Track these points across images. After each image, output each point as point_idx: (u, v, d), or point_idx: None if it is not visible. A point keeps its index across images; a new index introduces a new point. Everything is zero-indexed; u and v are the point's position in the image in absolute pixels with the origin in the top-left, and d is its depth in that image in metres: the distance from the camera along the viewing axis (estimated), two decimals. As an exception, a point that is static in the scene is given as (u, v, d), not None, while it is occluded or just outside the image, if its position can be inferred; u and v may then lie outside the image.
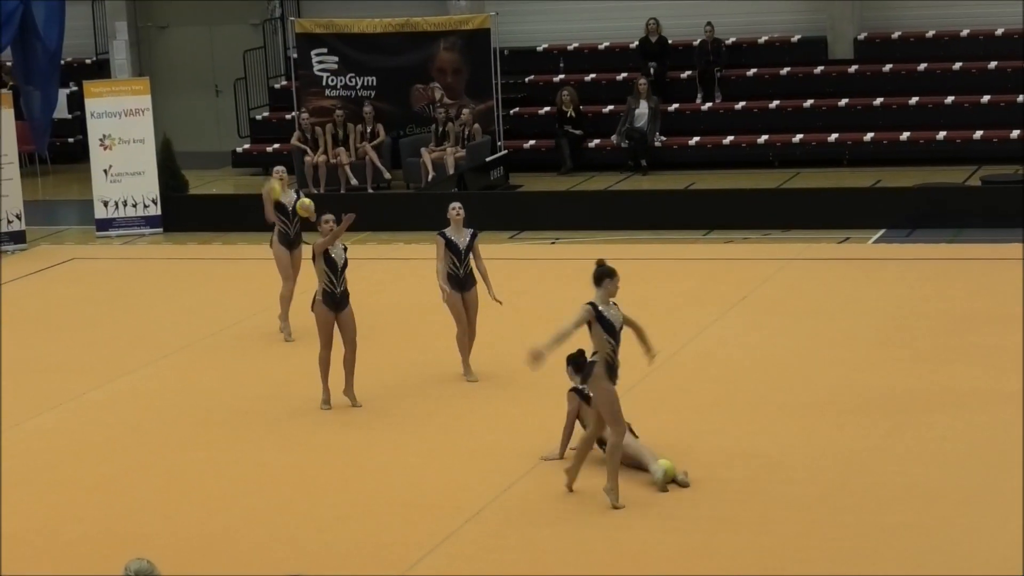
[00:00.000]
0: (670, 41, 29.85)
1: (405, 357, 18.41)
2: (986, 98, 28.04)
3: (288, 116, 30.42)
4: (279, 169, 19.69)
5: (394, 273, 22.37)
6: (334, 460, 15.31)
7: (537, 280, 21.51)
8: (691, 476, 13.92)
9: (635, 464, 14.17)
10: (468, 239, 17.37)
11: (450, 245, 17.20)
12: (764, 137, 28.61)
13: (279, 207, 19.26)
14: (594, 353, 13.60)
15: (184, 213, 26.62)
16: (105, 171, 26.51)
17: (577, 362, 14.39)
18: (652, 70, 29.35)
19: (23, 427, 16.65)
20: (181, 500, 14.47)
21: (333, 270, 16.44)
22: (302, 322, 18.53)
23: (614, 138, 28.86)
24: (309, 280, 17.46)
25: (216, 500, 14.45)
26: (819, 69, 29.46)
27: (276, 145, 30.50)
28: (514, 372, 17.14)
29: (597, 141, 29.29)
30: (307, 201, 18.91)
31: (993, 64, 28.46)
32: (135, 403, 17.24)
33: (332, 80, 29.76)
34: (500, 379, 17.32)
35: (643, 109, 28.80)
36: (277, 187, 19.20)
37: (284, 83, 31.54)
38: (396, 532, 13.45)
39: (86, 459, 15.74)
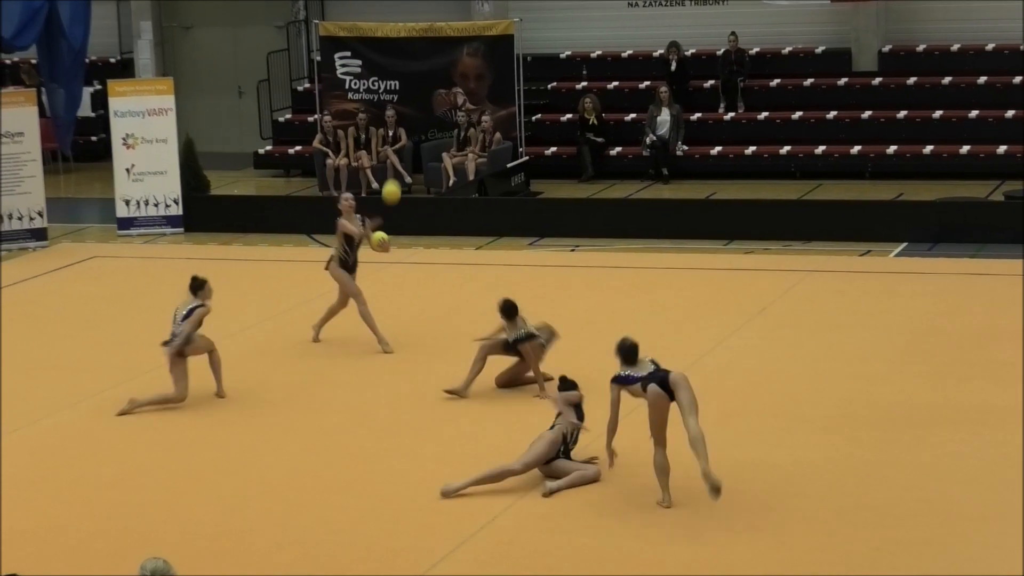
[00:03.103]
0: (693, 51, 29.83)
1: (423, 362, 18.40)
2: (1010, 113, 27.99)
3: (310, 119, 30.46)
4: (347, 196, 19.41)
5: (414, 277, 22.35)
6: (350, 463, 15.31)
7: (556, 287, 21.48)
8: (699, 490, 13.69)
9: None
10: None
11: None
12: (786, 148, 28.59)
13: (347, 236, 18.97)
14: None
15: (205, 213, 26.67)
16: (127, 170, 26.57)
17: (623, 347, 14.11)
18: (672, 85, 29.31)
19: (40, 424, 16.68)
20: (196, 499, 14.49)
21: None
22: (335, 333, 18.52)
23: (647, 142, 28.70)
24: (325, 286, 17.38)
25: (230, 500, 14.46)
26: (843, 81, 29.44)
27: (298, 147, 30.55)
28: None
29: (619, 149, 29.29)
30: (383, 237, 18.80)
31: (1018, 79, 28.40)
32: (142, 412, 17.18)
33: (355, 83, 29.80)
34: (518, 386, 17.31)
35: (665, 116, 28.80)
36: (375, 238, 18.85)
37: (307, 85, 31.59)
38: (410, 536, 13.45)
39: (102, 457, 15.78)
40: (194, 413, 16.97)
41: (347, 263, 18.91)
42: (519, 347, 17.11)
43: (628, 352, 13.94)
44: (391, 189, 18.96)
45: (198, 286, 17.29)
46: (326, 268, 19.04)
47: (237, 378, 18.00)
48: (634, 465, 14.57)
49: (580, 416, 14.65)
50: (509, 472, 14.40)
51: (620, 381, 13.92)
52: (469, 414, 16.48)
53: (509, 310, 17.19)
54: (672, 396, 13.71)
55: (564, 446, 14.59)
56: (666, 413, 13.76)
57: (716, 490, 13.33)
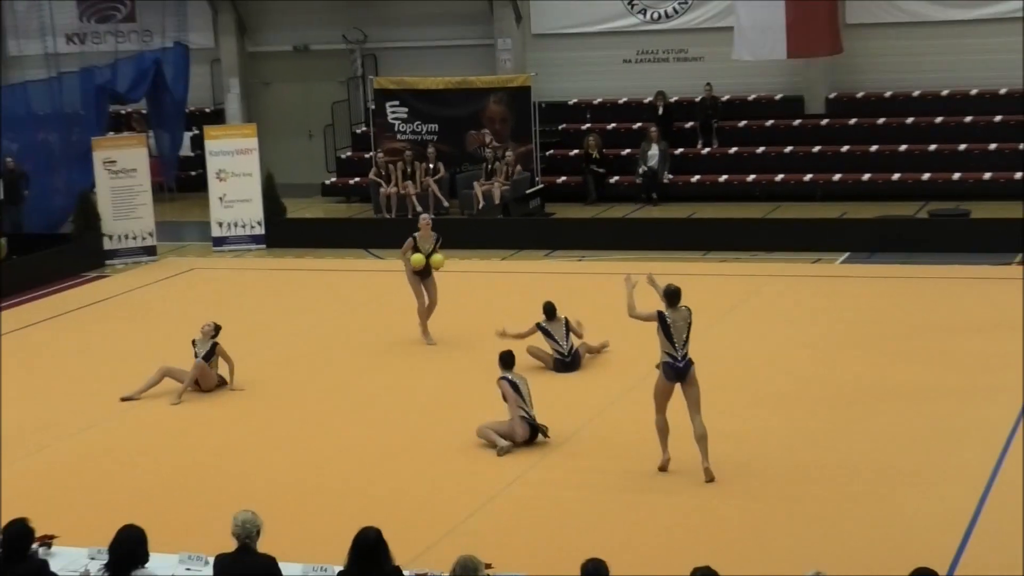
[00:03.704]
0: (676, 98, 29.81)
1: (452, 357, 18.34)
2: (933, 147, 27.91)
3: (367, 155, 30.47)
4: (425, 217, 19.16)
5: (450, 285, 22.34)
6: (401, 433, 15.30)
7: (567, 290, 21.46)
8: (689, 453, 13.70)
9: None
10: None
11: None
12: (752, 176, 28.54)
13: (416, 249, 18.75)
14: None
15: (283, 233, 26.68)
16: (220, 198, 26.60)
17: (669, 290, 13.69)
18: (659, 126, 29.26)
19: (152, 402, 16.71)
20: (281, 462, 14.49)
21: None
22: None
23: (640, 172, 28.68)
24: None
25: (304, 464, 14.44)
26: (797, 122, 29.37)
27: (357, 179, 30.55)
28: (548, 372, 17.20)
29: (617, 177, 29.24)
30: (440, 259, 18.77)
31: (939, 119, 28.34)
32: (230, 395, 17.15)
33: (402, 127, 29.80)
34: (537, 380, 17.31)
35: (654, 151, 28.76)
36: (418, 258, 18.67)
37: (364, 129, 31.59)
38: (449, 492, 13.45)
39: (201, 431, 15.80)
40: (274, 397, 16.99)
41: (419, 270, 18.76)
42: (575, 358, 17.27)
43: (672, 295, 13.53)
44: (437, 259, 18.77)
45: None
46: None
47: (311, 364, 18.01)
48: (634, 440, 14.58)
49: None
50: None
51: (660, 316, 13.44)
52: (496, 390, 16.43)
53: (550, 311, 17.25)
54: (683, 380, 13.48)
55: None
56: (671, 391, 13.60)
57: (710, 480, 13.30)
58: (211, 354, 17.02)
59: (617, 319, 19.30)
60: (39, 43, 31.89)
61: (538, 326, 17.41)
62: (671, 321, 13.34)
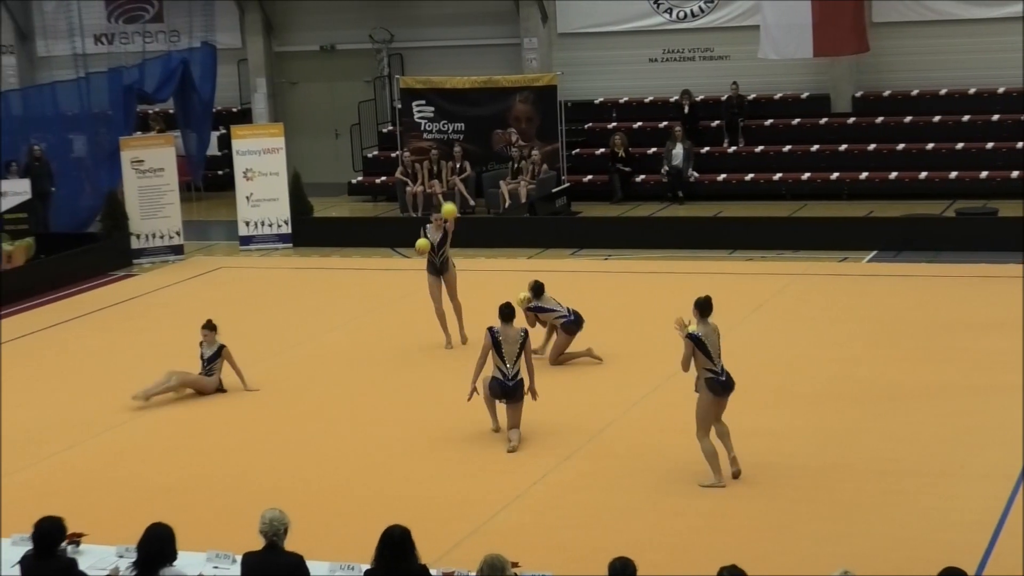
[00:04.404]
0: (703, 97, 29.77)
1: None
2: (960, 145, 27.80)
3: (393, 154, 30.50)
4: (437, 216, 18.84)
5: (476, 283, 22.33)
6: (425, 431, 15.30)
7: (593, 288, 21.47)
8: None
9: None
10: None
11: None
12: (778, 175, 28.48)
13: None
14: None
15: (309, 232, 26.72)
16: (247, 197, 26.65)
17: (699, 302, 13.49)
18: (686, 124, 29.23)
19: (162, 410, 16.77)
20: (306, 459, 14.50)
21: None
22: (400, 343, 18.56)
23: (664, 170, 28.66)
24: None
25: (332, 460, 14.46)
26: (823, 120, 29.29)
27: (383, 177, 30.58)
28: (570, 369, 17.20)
29: (643, 176, 29.21)
30: (450, 207, 18.79)
31: (966, 117, 28.23)
32: (255, 395, 17.16)
33: (429, 126, 29.82)
34: (562, 380, 17.30)
35: (679, 150, 28.72)
36: (423, 243, 18.59)
37: (390, 128, 31.62)
38: (477, 491, 13.44)
39: (228, 427, 15.84)
40: (299, 396, 17.02)
41: (434, 265, 18.67)
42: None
43: (704, 306, 13.34)
44: (449, 208, 18.79)
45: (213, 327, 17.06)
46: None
47: (336, 363, 18.04)
48: (659, 439, 14.57)
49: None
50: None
51: (694, 340, 13.11)
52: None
53: (537, 289, 17.45)
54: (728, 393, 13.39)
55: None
56: (717, 409, 13.40)
57: (736, 472, 13.28)
58: (216, 356, 16.98)
59: (641, 318, 19.36)
60: (67, 43, 32.01)
61: (527, 312, 17.36)
62: (704, 336, 13.16)
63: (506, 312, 14.94)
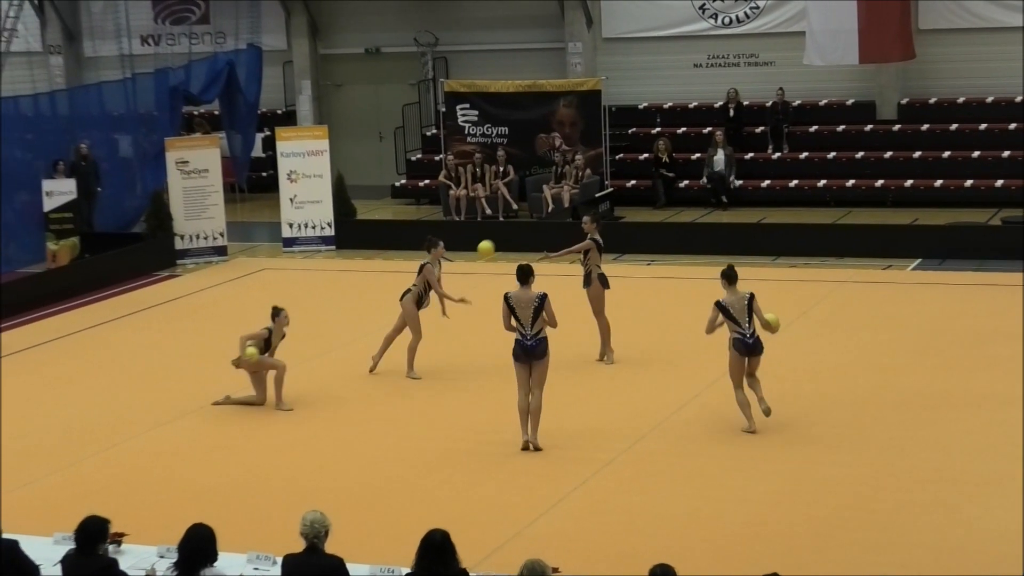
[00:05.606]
0: (748, 102, 29.69)
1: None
2: (1006, 153, 27.64)
3: (437, 158, 30.54)
4: (441, 245, 18.00)
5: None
6: (468, 437, 15.29)
7: (636, 293, 21.44)
8: (757, 458, 13.73)
9: None
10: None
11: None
12: (823, 182, 28.36)
13: (427, 282, 17.88)
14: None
15: (352, 234, 26.78)
16: (291, 199, 26.74)
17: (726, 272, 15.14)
18: (730, 129, 29.17)
19: (204, 410, 16.81)
20: (345, 464, 14.52)
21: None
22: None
23: (705, 175, 28.64)
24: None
25: (370, 467, 14.48)
26: (868, 127, 29.16)
27: (427, 181, 30.63)
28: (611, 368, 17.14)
29: (686, 182, 29.15)
30: (487, 245, 18.23)
31: (1013, 125, 28.05)
32: (294, 399, 17.26)
33: (472, 129, 29.85)
34: (606, 383, 17.26)
35: (720, 156, 28.65)
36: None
37: (434, 131, 31.67)
38: (519, 494, 13.43)
39: (243, 446, 15.87)
40: (340, 399, 17.03)
41: (421, 301, 17.94)
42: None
43: (729, 275, 15.04)
44: (485, 247, 18.21)
45: (275, 313, 16.90)
46: (400, 299, 17.83)
47: (378, 366, 18.03)
48: (702, 445, 14.51)
49: None
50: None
51: (719, 306, 14.92)
52: (566, 393, 16.39)
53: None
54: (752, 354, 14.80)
55: None
56: (744, 366, 14.82)
57: (767, 411, 14.67)
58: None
59: (683, 324, 19.30)
60: (114, 44, 32.24)
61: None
62: (729, 305, 14.80)
63: (520, 275, 14.85)
